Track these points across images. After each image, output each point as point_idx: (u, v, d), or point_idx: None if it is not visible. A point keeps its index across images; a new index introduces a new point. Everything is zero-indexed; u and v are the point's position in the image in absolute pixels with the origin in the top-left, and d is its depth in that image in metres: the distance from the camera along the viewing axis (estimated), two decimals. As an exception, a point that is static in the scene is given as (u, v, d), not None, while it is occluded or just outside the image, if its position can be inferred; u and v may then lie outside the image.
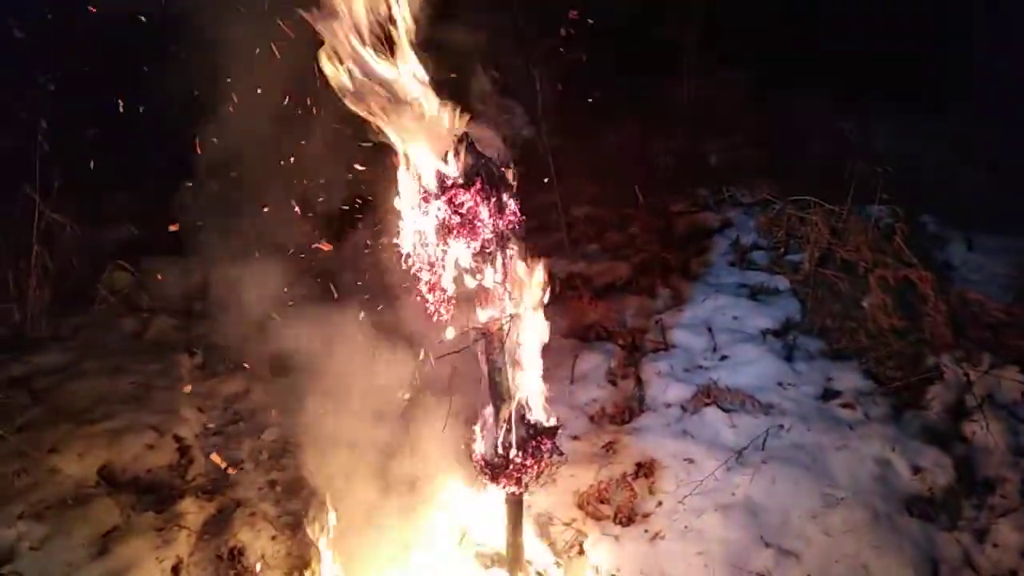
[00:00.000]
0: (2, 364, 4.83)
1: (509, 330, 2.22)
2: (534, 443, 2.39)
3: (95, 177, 5.37)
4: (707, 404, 4.34)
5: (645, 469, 3.97)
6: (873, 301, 4.73)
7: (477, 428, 2.39)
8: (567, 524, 3.69)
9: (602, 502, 3.81)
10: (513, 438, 2.35)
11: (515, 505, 2.56)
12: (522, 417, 2.36)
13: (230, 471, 4.14)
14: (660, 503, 3.74)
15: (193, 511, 3.80)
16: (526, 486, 2.48)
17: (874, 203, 5.27)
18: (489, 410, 2.34)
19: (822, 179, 6.29)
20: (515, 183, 2.12)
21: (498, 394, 2.29)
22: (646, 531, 3.59)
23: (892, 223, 5.15)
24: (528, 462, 2.38)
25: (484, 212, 2.00)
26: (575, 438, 4.29)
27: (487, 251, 2.04)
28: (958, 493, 3.63)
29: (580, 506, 3.80)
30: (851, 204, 5.28)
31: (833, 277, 5.14)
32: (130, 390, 4.58)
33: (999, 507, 3.51)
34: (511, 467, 2.37)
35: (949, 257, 5.31)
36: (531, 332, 2.36)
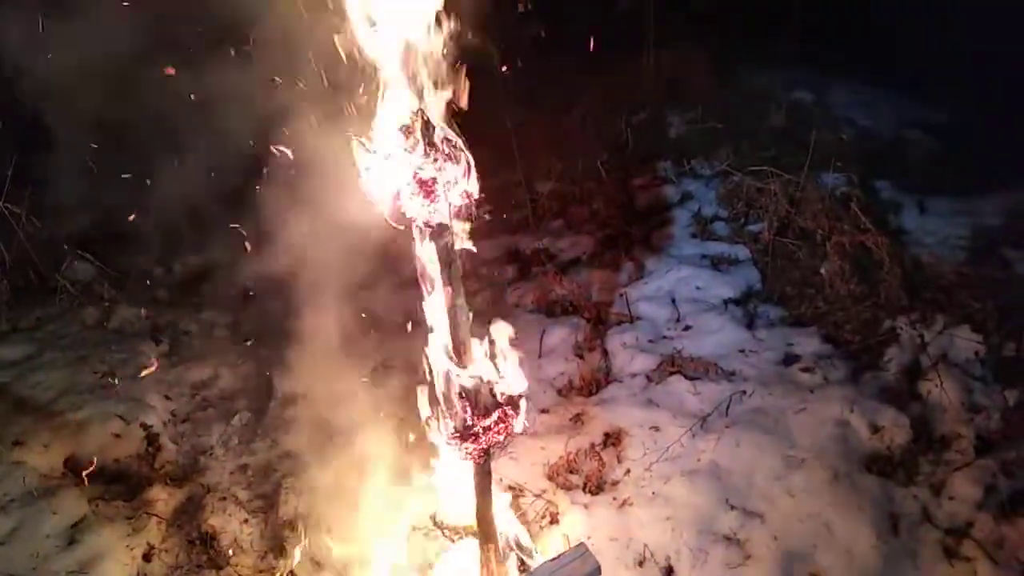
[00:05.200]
0: (-38, 358, 4.74)
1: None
2: (500, 411, 2.42)
3: (51, 167, 5.26)
4: (672, 373, 4.41)
5: (613, 438, 4.04)
6: (831, 268, 4.83)
7: (440, 397, 2.41)
8: (538, 495, 3.74)
9: (571, 472, 3.87)
10: (478, 406, 2.38)
11: (483, 474, 2.59)
12: (487, 385, 2.39)
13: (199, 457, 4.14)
14: (628, 471, 3.82)
15: (163, 498, 3.78)
16: (491, 454, 2.51)
17: (830, 171, 5.36)
18: (452, 379, 2.36)
19: (780, 149, 6.38)
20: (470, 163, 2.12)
21: (461, 364, 2.32)
22: (615, 499, 3.67)
23: (848, 190, 5.26)
24: (493, 429, 2.41)
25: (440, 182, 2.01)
26: (544, 411, 4.35)
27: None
28: (915, 450, 3.75)
29: (550, 477, 3.86)
30: (808, 173, 5.36)
31: (791, 245, 5.24)
32: (94, 380, 4.53)
33: (954, 462, 3.64)
34: (476, 435, 2.40)
35: (903, 222, 5.42)
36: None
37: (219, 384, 4.78)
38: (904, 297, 4.60)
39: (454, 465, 3.04)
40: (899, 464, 3.69)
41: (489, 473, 2.61)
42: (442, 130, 2.05)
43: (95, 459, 3.88)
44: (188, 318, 5.36)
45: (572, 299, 5.30)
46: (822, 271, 4.92)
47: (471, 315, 2.34)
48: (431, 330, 2.39)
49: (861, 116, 7.36)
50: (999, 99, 6.17)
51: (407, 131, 2.01)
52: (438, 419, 2.44)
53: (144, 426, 4.24)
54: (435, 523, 3.52)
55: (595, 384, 4.54)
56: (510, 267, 5.91)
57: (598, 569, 2.67)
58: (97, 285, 5.53)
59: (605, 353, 4.80)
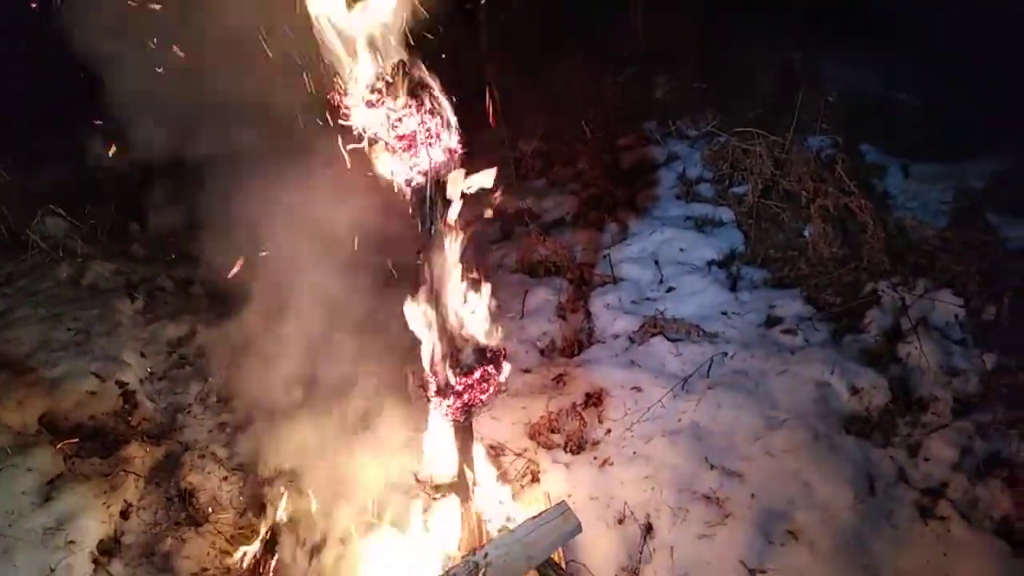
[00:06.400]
0: (-67, 314, 4.64)
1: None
2: (481, 369, 2.40)
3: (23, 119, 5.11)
4: (654, 335, 4.41)
5: (594, 399, 4.04)
6: (814, 230, 4.82)
7: (424, 355, 2.38)
8: (519, 454, 3.74)
9: (553, 432, 3.87)
10: (459, 364, 2.36)
11: (464, 433, 2.58)
12: (469, 343, 2.36)
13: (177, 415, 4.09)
14: (609, 431, 3.82)
15: (140, 456, 3.75)
16: (472, 412, 2.50)
17: (815, 133, 5.31)
18: (435, 339, 2.33)
19: (767, 110, 6.32)
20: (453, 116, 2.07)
21: (443, 324, 2.29)
22: (595, 458, 3.67)
23: (833, 153, 5.22)
24: (475, 387, 2.39)
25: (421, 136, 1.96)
26: (526, 371, 4.33)
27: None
28: (893, 412, 3.78)
29: (531, 436, 3.86)
30: (793, 135, 5.32)
31: (776, 208, 5.22)
32: (69, 337, 4.45)
33: (931, 424, 3.67)
34: (458, 393, 2.39)
35: (887, 185, 5.42)
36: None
37: (196, 341, 4.71)
38: (886, 260, 4.60)
39: (437, 423, 3.01)
40: (877, 425, 3.73)
41: (470, 432, 2.60)
42: (424, 83, 1.99)
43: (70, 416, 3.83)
44: (164, 274, 5.26)
45: (555, 260, 5.26)
46: (806, 234, 4.91)
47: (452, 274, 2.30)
48: (413, 289, 2.35)
49: (848, 78, 7.29)
50: (985, 67, 6.15)
51: (387, 84, 1.94)
52: (421, 377, 2.42)
53: (120, 383, 4.18)
54: (417, 481, 3.51)
55: (577, 345, 4.54)
56: (492, 227, 5.84)
57: (579, 527, 2.67)
58: (70, 240, 5.41)
59: (588, 314, 4.78)
